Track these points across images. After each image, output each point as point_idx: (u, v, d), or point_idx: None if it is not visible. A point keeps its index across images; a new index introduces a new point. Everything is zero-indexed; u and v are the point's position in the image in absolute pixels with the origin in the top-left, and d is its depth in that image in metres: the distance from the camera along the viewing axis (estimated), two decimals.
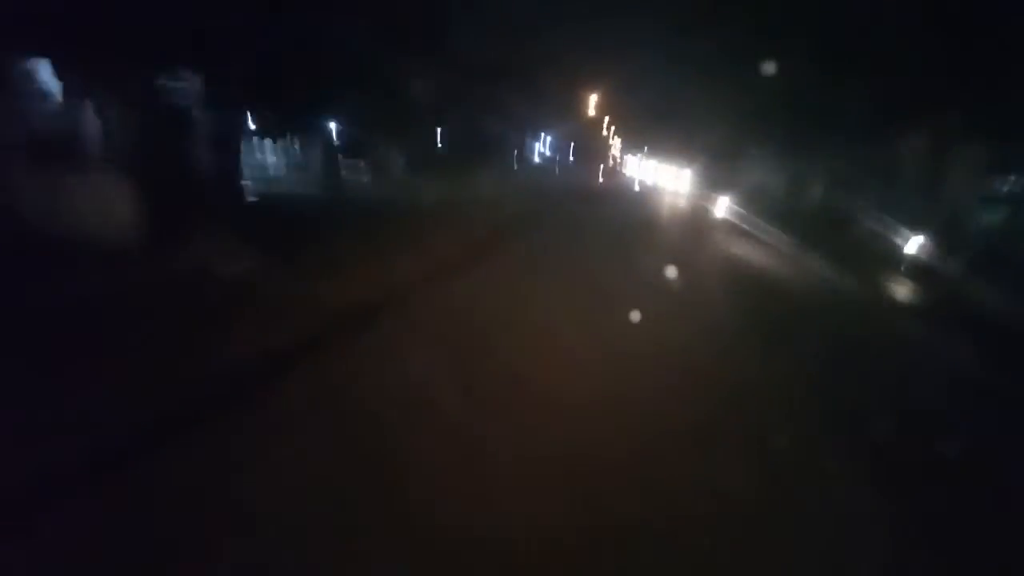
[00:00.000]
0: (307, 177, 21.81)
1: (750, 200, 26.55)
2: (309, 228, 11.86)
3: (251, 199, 17.64)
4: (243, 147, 24.35)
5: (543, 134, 54.16)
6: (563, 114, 50.45)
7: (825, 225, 19.30)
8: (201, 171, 17.40)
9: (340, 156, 23.63)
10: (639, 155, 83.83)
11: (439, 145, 37.64)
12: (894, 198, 17.78)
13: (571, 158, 64.94)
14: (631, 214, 24.39)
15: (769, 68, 31.56)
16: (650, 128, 65.38)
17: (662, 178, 62.67)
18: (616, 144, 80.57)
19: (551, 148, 57.03)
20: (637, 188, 53.48)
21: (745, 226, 21.99)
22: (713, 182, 38.43)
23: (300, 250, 9.61)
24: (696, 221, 24.22)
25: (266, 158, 23.56)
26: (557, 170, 54.97)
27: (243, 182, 19.40)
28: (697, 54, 43.68)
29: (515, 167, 40.78)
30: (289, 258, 8.86)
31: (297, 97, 22.58)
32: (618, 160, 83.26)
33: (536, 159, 54.39)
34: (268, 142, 23.70)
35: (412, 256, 9.47)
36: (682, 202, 37.64)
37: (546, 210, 20.60)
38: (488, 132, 40.69)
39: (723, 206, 27.97)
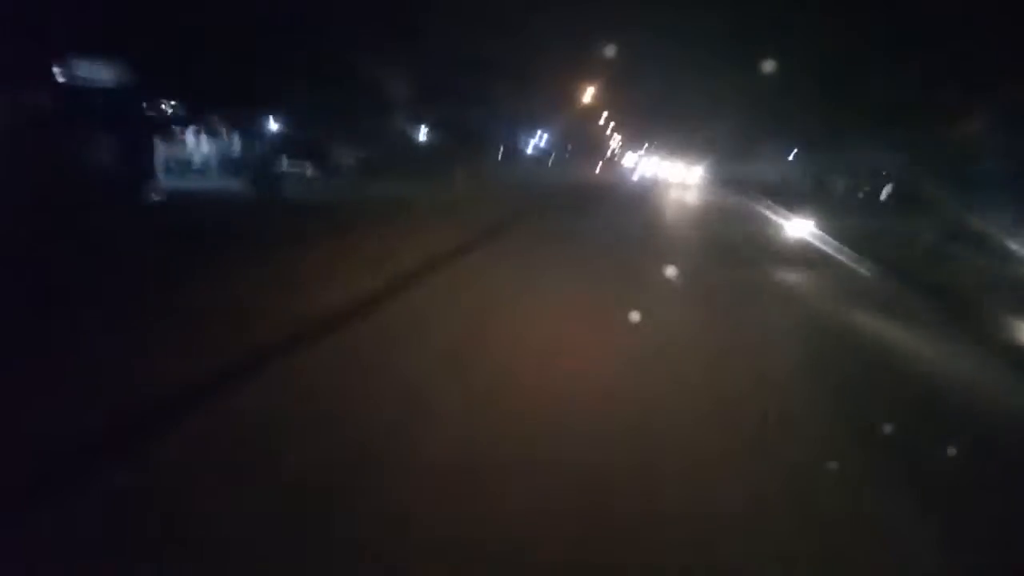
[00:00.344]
0: (242, 177, 18.11)
1: (800, 207, 20.55)
2: (170, 248, 8.09)
3: (155, 202, 14.07)
4: (172, 143, 20.74)
5: (537, 126, 50.45)
6: (558, 106, 46.65)
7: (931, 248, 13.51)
8: (74, 172, 13.87)
9: (285, 155, 19.92)
10: (639, 152, 79.76)
11: (414, 140, 33.97)
12: (984, 198, 13.94)
13: (567, 151, 61.13)
14: (646, 242, 14.76)
15: (793, 44, 27.81)
16: (652, 121, 61.45)
17: (669, 176, 56.70)
18: (615, 140, 76.68)
19: (546, 141, 53.31)
20: (641, 185, 47.16)
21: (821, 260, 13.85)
22: (731, 182, 34.06)
23: (104, 293, 5.87)
24: (745, 250, 14.83)
25: (199, 156, 19.82)
26: (551, 163, 51.20)
27: (149, 183, 15.80)
28: (706, 35, 39.92)
29: (500, 161, 36.93)
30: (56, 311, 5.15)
31: (228, 89, 18.90)
32: (617, 154, 79.32)
33: (530, 152, 50.80)
34: (204, 138, 19.96)
35: (251, 313, 5.68)
36: (705, 210, 26.53)
37: (516, 221, 15.14)
38: (469, 125, 37.01)
39: (785, 225, 20.02)
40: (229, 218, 11.93)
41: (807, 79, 26.38)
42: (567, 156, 59.78)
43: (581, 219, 18.23)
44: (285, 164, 19.83)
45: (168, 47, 18.57)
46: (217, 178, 18.72)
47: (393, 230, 11.05)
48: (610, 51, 38.98)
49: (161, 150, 17.87)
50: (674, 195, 35.98)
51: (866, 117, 23.53)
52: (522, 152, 49.10)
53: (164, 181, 17.20)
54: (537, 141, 52.57)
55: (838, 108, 24.92)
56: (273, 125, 19.71)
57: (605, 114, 60.35)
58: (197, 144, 19.76)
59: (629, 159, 78.31)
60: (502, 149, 37.32)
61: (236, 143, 19.89)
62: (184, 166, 18.81)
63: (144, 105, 17.80)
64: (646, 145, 78.62)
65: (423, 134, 37.19)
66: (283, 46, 20.73)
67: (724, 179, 37.41)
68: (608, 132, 69.46)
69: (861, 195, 25.37)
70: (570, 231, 15.34)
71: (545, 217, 17.00)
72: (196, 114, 19.22)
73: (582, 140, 61.88)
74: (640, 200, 29.05)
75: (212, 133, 20.20)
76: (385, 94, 31.28)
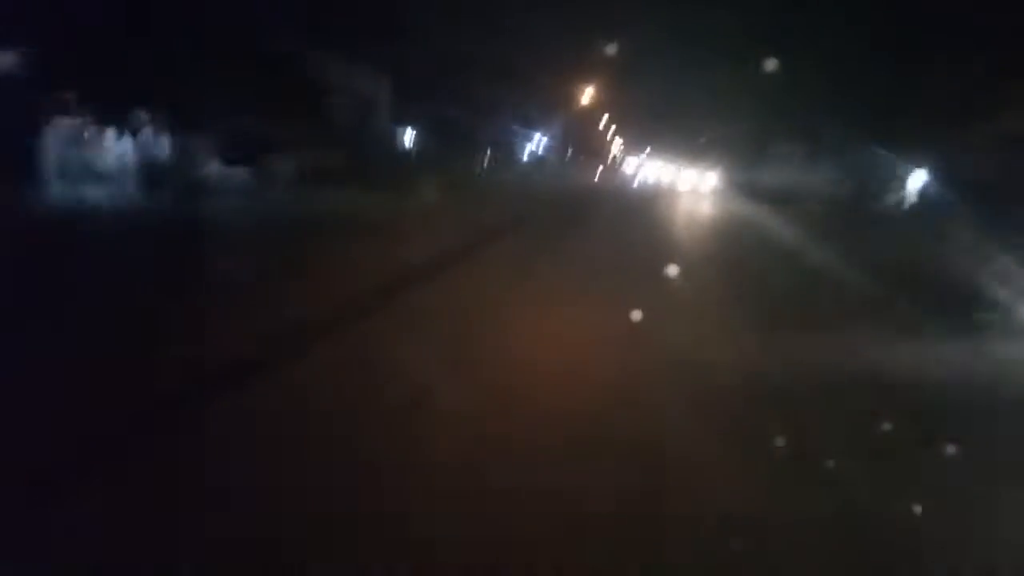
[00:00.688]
0: (153, 185, 14.74)
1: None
2: None
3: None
4: (74, 143, 17.32)
5: (535, 129, 47.14)
6: (557, 108, 43.34)
7: None
8: None
9: (216, 158, 16.47)
10: (642, 156, 76.17)
11: (393, 143, 30.63)
12: None
13: (567, 155, 57.79)
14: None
15: (799, 42, 24.65)
16: (657, 123, 57.94)
17: (678, 182, 50.56)
18: (617, 143, 73.26)
19: (544, 144, 50.00)
20: (648, 192, 39.97)
21: None
22: (752, 190, 29.33)
23: None
24: None
25: (111, 159, 16.34)
26: (547, 168, 47.78)
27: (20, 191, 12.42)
28: (711, 33, 36.42)
29: (489, 166, 33.46)
30: None
31: (145, 80, 15.49)
32: (619, 158, 75.87)
33: (526, 156, 47.53)
34: (117, 138, 16.51)
35: None
36: (757, 245, 16.24)
37: (478, 247, 10.72)
38: (459, 127, 33.66)
39: None
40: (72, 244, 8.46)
41: (821, 76, 23.27)
42: (567, 160, 56.41)
43: (566, 256, 11.46)
44: (215, 169, 16.36)
45: (70, 31, 15.25)
46: (128, 185, 15.27)
47: (270, 273, 7.54)
48: (611, 51, 35.52)
49: (53, 152, 14.50)
50: (692, 208, 28.74)
51: (886, 116, 20.51)
52: (518, 156, 45.80)
53: (55, 188, 13.89)
54: (535, 145, 49.32)
55: (855, 106, 21.82)
56: (200, 123, 16.23)
57: (606, 117, 57.01)
58: (109, 145, 16.30)
59: (632, 163, 74.85)
60: (489, 153, 33.86)
61: (155, 144, 16.42)
62: (87, 170, 15.33)
63: (31, 98, 14.40)
64: (648, 148, 75.22)
65: (408, 137, 33.90)
66: (220, 31, 17.37)
67: (742, 186, 33.35)
68: (609, 135, 66.10)
69: (901, 203, 22.02)
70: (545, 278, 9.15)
71: (525, 237, 13.39)
72: (106, 110, 15.83)
73: (582, 143, 58.50)
74: (650, 214, 24.31)
75: (131, 132, 16.78)
76: (357, 92, 27.97)
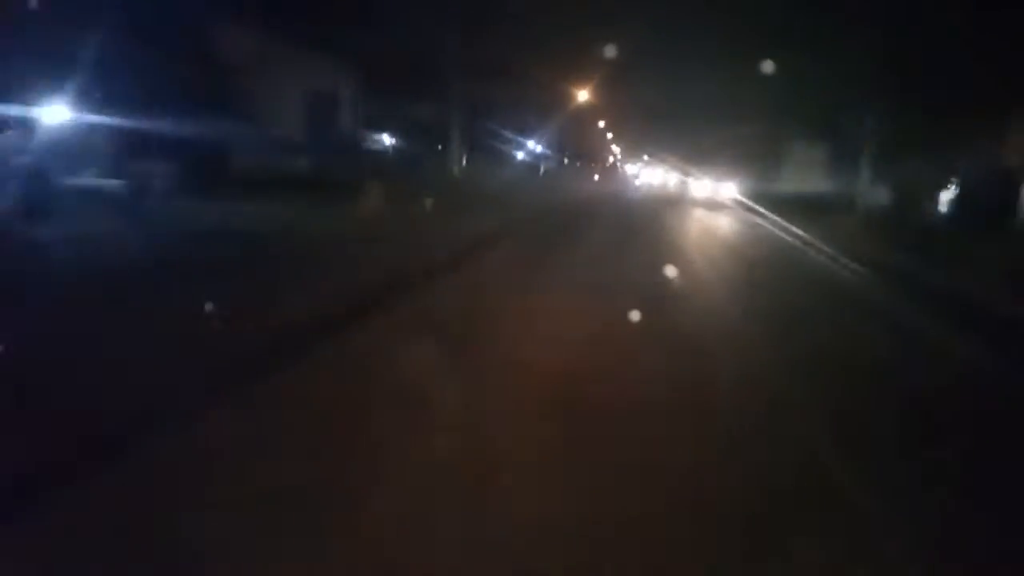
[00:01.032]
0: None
1: None
2: None
3: None
4: None
5: (533, 131, 43.82)
6: (556, 108, 39.95)
7: None
8: None
9: (84, 163, 12.73)
10: (644, 159, 72.35)
11: (359, 146, 27.06)
12: None
13: (564, 158, 54.34)
14: None
15: (841, 25, 21.34)
16: (661, 124, 54.08)
17: (691, 191, 44.73)
18: (617, 146, 69.64)
19: (541, 146, 46.66)
20: (656, 207, 31.71)
21: None
22: (785, 202, 24.60)
23: None
24: None
25: None
26: (542, 173, 44.27)
27: None
28: (716, 27, 32.68)
29: (468, 170, 29.70)
30: None
31: None
32: (619, 162, 72.21)
33: (520, 159, 44.17)
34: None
35: None
36: None
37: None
38: (423, 130, 30.15)
39: None
40: None
41: (849, 67, 19.92)
42: (561, 164, 52.94)
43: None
44: (88, 177, 12.62)
45: None
46: None
47: None
48: (611, 45, 31.90)
49: None
50: (700, 222, 22.99)
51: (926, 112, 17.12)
52: (508, 160, 42.32)
53: None
54: (531, 147, 45.99)
55: (887, 101, 19.26)
56: (61, 116, 12.48)
57: (605, 117, 53.40)
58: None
59: (633, 168, 71.05)
60: (467, 157, 30.18)
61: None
62: None
63: None
64: (652, 151, 71.47)
65: (376, 138, 30.38)
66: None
67: (760, 195, 28.97)
68: (609, 137, 62.44)
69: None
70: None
71: (477, 274, 9.53)
72: None
73: (579, 146, 55.05)
74: (651, 226, 20.09)
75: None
76: (311, 87, 24.43)
